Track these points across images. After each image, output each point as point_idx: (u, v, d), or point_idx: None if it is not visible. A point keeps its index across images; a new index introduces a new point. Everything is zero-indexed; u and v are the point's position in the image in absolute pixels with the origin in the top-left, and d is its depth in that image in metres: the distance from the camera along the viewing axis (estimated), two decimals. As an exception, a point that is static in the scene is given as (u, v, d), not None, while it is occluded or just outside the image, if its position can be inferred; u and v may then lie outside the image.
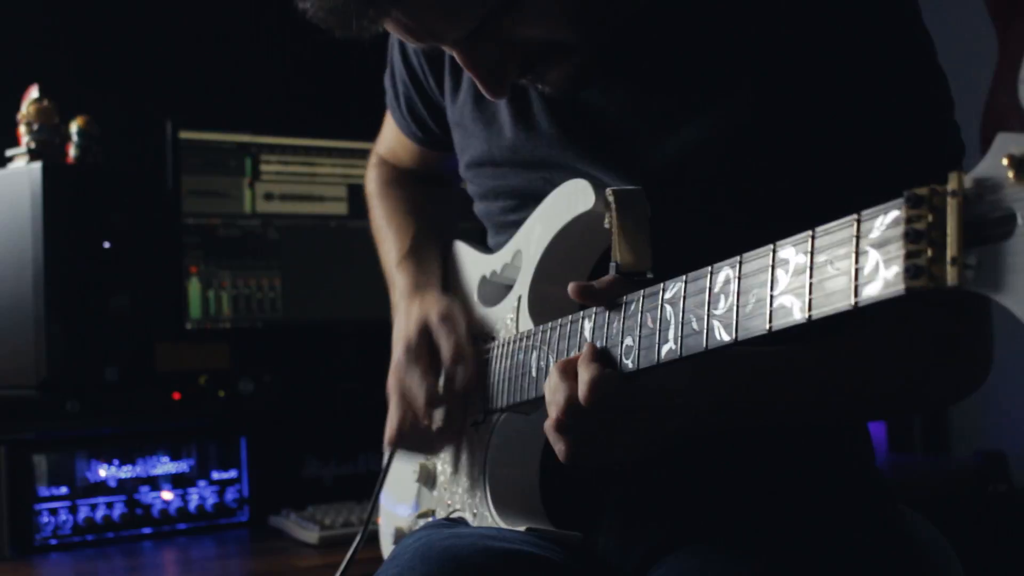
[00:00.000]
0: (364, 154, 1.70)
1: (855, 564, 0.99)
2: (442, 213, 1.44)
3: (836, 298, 0.69)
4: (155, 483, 1.91)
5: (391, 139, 1.45)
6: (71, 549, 1.80)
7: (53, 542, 1.80)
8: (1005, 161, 0.59)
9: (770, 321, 0.74)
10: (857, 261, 0.67)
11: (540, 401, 1.06)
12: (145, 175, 2.00)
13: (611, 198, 0.97)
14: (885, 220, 0.65)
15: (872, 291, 0.66)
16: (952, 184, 0.62)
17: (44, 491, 1.80)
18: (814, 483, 1.09)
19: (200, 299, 2.08)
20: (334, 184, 2.23)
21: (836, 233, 0.70)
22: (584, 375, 0.89)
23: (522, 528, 1.06)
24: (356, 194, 2.18)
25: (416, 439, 1.21)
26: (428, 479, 1.27)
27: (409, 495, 1.31)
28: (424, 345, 1.19)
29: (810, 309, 0.71)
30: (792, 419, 1.03)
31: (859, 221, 0.68)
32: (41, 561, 1.75)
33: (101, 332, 1.85)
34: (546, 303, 1.09)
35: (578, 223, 1.06)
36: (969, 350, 1.04)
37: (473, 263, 1.29)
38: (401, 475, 1.33)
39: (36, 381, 1.79)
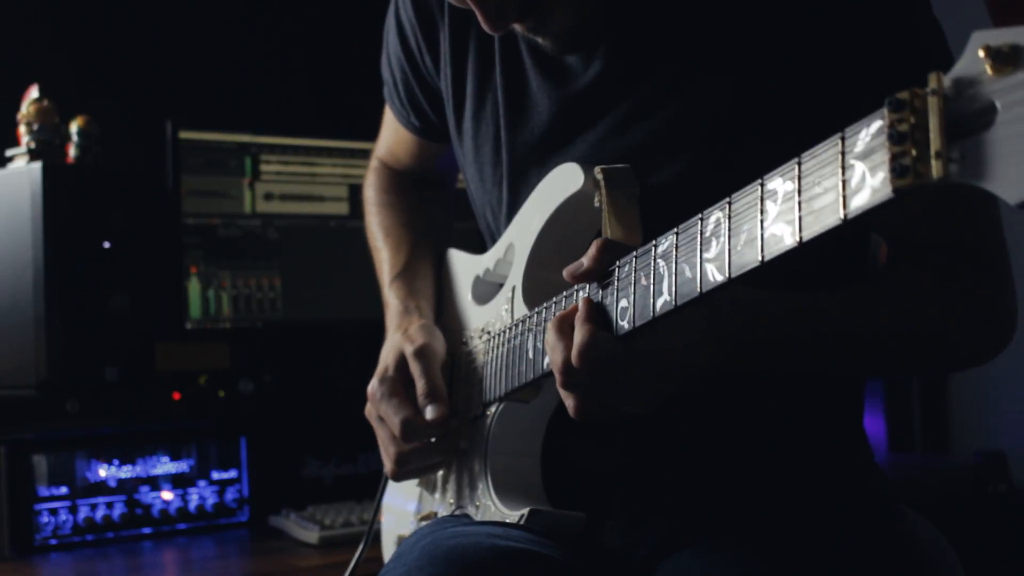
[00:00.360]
0: (364, 154, 1.70)
1: (855, 564, 0.99)
2: (438, 220, 1.45)
3: (825, 215, 0.69)
4: (155, 483, 1.91)
5: (389, 137, 1.45)
6: (71, 549, 1.80)
7: (53, 542, 1.80)
8: (982, 53, 0.60)
9: (762, 251, 0.74)
10: (844, 175, 0.68)
11: (539, 384, 1.06)
12: (145, 175, 2.00)
13: (600, 176, 0.98)
14: (869, 131, 0.66)
15: (861, 200, 0.66)
16: (932, 84, 0.63)
17: (44, 491, 1.80)
18: (816, 483, 1.09)
19: (200, 299, 2.08)
20: (334, 184, 2.23)
21: (821, 155, 0.70)
22: (576, 337, 0.89)
23: (525, 511, 1.06)
24: (357, 194, 2.17)
25: (412, 468, 1.21)
26: (428, 482, 1.27)
27: (411, 498, 1.31)
28: (399, 377, 1.20)
29: (801, 231, 0.71)
30: (805, 364, 1.00)
31: (843, 138, 0.68)
32: (41, 561, 1.75)
33: (101, 332, 1.85)
34: (541, 289, 1.09)
35: (569, 205, 1.06)
36: (990, 300, 1.02)
37: (466, 265, 1.29)
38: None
39: (36, 381, 1.79)
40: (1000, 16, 2.31)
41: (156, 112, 2.13)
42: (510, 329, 1.11)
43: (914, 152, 0.63)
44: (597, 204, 0.98)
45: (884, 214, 0.99)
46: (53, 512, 1.80)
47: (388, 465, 1.21)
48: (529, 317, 1.07)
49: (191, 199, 2.08)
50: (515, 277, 1.13)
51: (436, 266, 1.37)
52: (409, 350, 1.20)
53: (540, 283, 1.10)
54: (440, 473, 1.25)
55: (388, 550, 1.36)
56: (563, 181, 1.07)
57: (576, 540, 1.08)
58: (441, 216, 1.46)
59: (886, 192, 0.64)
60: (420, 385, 1.17)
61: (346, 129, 2.25)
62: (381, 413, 1.19)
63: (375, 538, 1.37)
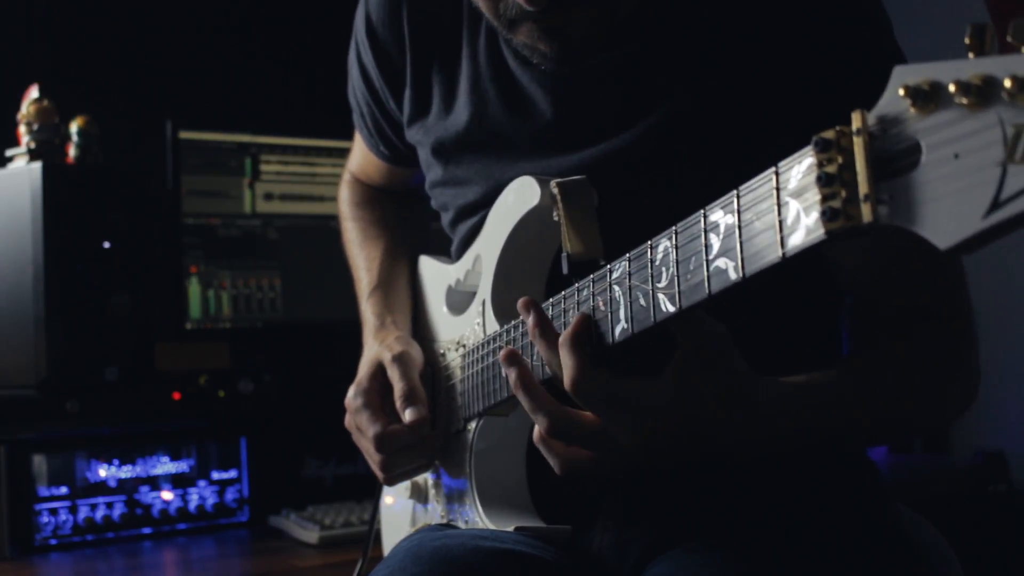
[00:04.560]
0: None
1: (853, 564, 0.99)
2: (413, 229, 1.47)
3: (766, 253, 0.70)
4: (155, 483, 1.91)
5: (360, 157, 1.47)
6: (71, 549, 1.80)
7: (53, 542, 1.80)
8: (902, 92, 0.59)
9: (709, 286, 0.75)
10: (780, 213, 0.68)
11: (515, 401, 1.07)
12: (145, 175, 2.00)
13: (556, 190, 0.98)
14: (801, 168, 0.67)
15: (796, 240, 0.67)
16: (856, 123, 0.63)
17: (44, 491, 1.80)
18: (812, 482, 1.09)
19: (200, 299, 2.08)
20: (334, 184, 2.22)
21: (758, 188, 0.71)
22: (564, 362, 0.87)
23: (509, 529, 1.06)
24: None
25: (399, 473, 1.22)
26: (419, 495, 1.28)
27: (405, 512, 1.33)
28: (374, 387, 1.21)
29: (743, 268, 0.72)
30: (816, 438, 0.97)
31: (777, 173, 0.69)
32: (41, 561, 1.75)
33: (101, 332, 1.85)
34: (510, 303, 1.09)
35: (529, 219, 1.07)
36: (972, 364, 1.04)
37: (439, 275, 1.31)
38: (395, 494, 1.35)
39: (36, 381, 1.79)
40: (1000, 15, 2.31)
41: (156, 112, 2.13)
42: (484, 345, 1.12)
43: (844, 194, 0.63)
44: (556, 218, 0.98)
45: (838, 269, 1.00)
46: (53, 512, 1.80)
47: (376, 472, 1.22)
48: (499, 335, 1.08)
49: (191, 199, 2.08)
50: (484, 291, 1.14)
51: (411, 278, 1.39)
52: (387, 356, 1.21)
53: (508, 296, 1.11)
54: (429, 485, 1.26)
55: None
56: (521, 195, 1.07)
57: (565, 542, 1.08)
58: (415, 227, 1.48)
59: (819, 234, 0.65)
60: (398, 388, 1.18)
61: (346, 129, 2.23)
62: (357, 424, 1.21)
63: (376, 539, 1.38)
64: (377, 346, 1.25)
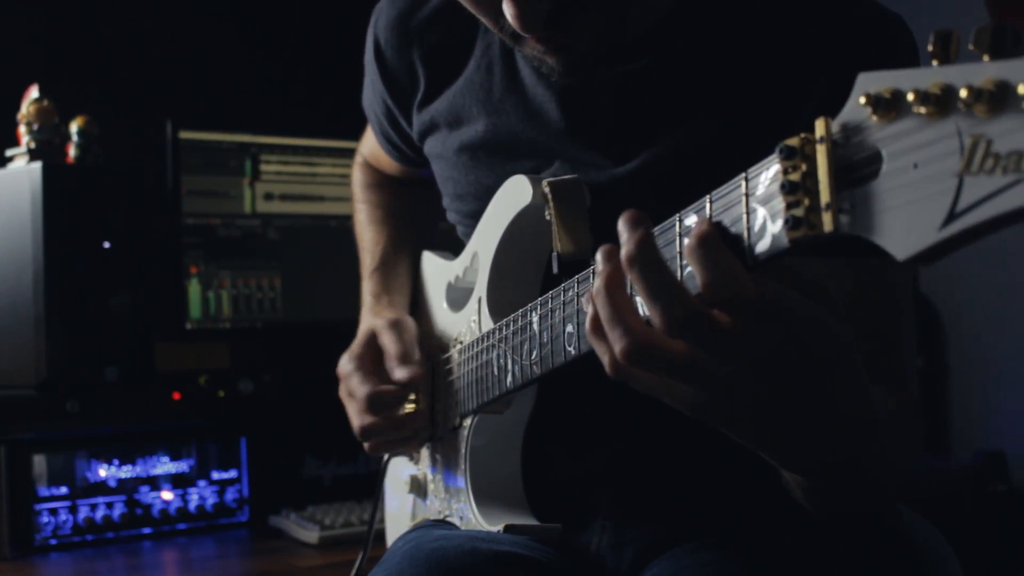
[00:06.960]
0: (364, 154, 1.70)
1: (852, 564, 0.99)
2: (420, 218, 1.47)
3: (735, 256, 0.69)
4: (155, 483, 1.91)
5: (373, 145, 1.48)
6: (71, 549, 1.80)
7: (53, 542, 1.80)
8: (863, 100, 0.59)
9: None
10: (748, 220, 0.68)
11: (508, 398, 1.07)
12: (145, 175, 2.00)
13: (547, 189, 0.98)
14: (768, 175, 0.66)
15: (763, 247, 0.67)
16: (820, 130, 0.63)
17: (44, 491, 1.80)
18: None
19: (200, 299, 2.08)
20: (334, 184, 2.23)
21: (729, 194, 0.70)
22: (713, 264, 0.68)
23: (500, 526, 1.06)
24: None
25: (382, 442, 1.23)
26: (419, 489, 1.28)
27: (405, 506, 1.33)
28: (366, 353, 1.23)
29: None
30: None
31: (747, 179, 0.69)
32: (41, 561, 1.75)
33: (101, 332, 1.85)
34: (505, 301, 1.10)
35: (522, 218, 1.07)
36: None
37: (439, 270, 1.31)
38: (396, 487, 1.35)
39: (36, 381, 1.79)
40: (1000, 16, 2.31)
41: (156, 112, 2.13)
42: (478, 343, 1.12)
43: (806, 202, 0.63)
44: (548, 217, 0.98)
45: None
46: (53, 512, 1.80)
47: (358, 437, 1.24)
48: (492, 332, 1.07)
49: (191, 199, 2.08)
50: (480, 288, 1.14)
51: (414, 263, 1.40)
52: (381, 324, 1.23)
53: (504, 294, 1.11)
54: (429, 479, 1.26)
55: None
56: (514, 194, 1.07)
57: (562, 543, 1.08)
58: (423, 212, 1.48)
59: (783, 242, 0.65)
60: (392, 350, 1.20)
61: (346, 129, 2.24)
62: (349, 387, 1.23)
63: (378, 536, 1.38)
64: (371, 317, 1.28)
